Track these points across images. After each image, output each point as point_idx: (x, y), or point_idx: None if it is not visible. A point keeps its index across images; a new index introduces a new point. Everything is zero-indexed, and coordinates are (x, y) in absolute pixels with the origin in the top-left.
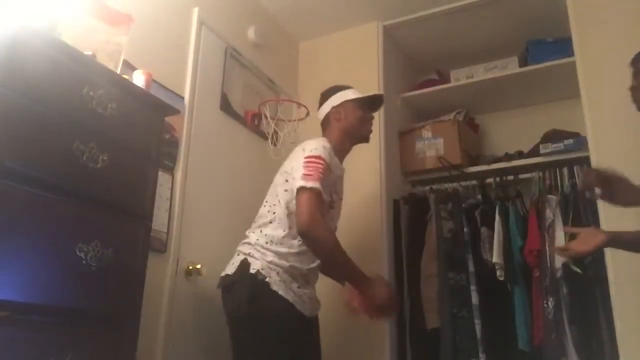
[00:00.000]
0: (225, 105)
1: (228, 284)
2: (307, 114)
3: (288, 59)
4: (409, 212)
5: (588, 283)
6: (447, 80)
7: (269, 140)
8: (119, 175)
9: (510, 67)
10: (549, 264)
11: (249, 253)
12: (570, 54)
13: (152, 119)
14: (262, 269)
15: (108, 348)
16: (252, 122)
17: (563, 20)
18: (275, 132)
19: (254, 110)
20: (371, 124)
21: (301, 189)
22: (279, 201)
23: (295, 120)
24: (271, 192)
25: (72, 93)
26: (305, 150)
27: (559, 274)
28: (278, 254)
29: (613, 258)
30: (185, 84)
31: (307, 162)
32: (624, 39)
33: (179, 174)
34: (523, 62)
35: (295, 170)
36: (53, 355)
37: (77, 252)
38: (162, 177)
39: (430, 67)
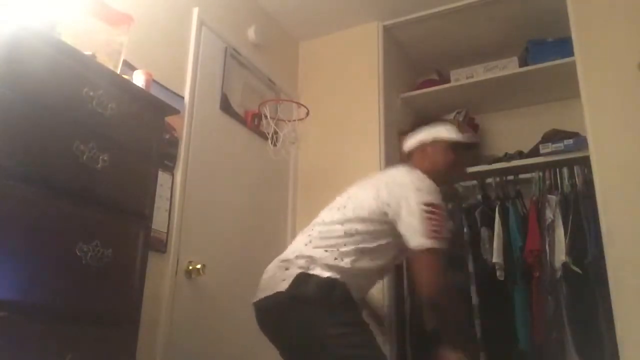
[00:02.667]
0: (225, 105)
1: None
2: (307, 113)
3: (288, 59)
4: None
5: (588, 283)
6: (447, 80)
7: (269, 140)
8: (119, 175)
9: (510, 67)
10: (549, 264)
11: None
12: (570, 54)
13: (152, 119)
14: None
15: (108, 348)
16: (252, 122)
17: (563, 20)
18: (275, 132)
19: (254, 110)
20: (462, 170)
21: (429, 251)
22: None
23: (295, 120)
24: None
25: (72, 93)
26: (419, 189)
27: (559, 274)
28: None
29: (613, 258)
30: (185, 84)
31: (430, 213)
32: (624, 39)
33: (179, 174)
34: (523, 62)
35: (410, 215)
36: (53, 355)
37: (77, 252)
38: (162, 177)
39: (430, 67)
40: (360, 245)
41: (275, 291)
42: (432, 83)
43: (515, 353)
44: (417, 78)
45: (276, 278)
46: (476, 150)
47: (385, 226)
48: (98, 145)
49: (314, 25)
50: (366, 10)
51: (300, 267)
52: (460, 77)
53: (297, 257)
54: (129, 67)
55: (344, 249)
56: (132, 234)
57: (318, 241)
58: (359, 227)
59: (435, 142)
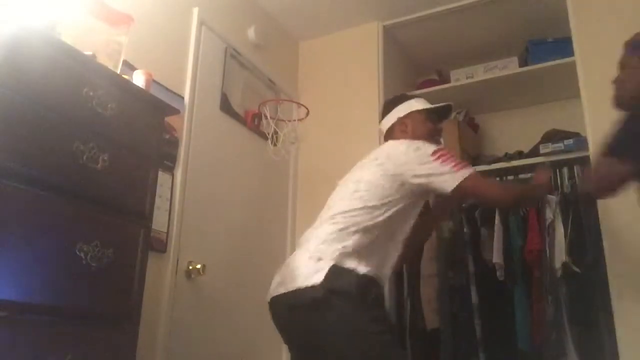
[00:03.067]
0: (225, 105)
1: None
2: (307, 113)
3: (288, 59)
4: None
5: (588, 283)
6: (447, 80)
7: (269, 140)
8: (119, 175)
9: (510, 67)
10: (549, 264)
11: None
12: (570, 54)
13: (152, 119)
14: None
15: (108, 348)
16: (252, 122)
17: (563, 20)
18: (275, 132)
19: (254, 110)
20: (440, 136)
21: (467, 179)
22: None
23: (295, 120)
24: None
25: (72, 93)
26: (418, 148)
27: (558, 274)
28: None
29: (613, 258)
30: (185, 84)
31: (441, 157)
32: (624, 39)
33: (179, 174)
34: (523, 62)
35: (430, 171)
36: (53, 355)
37: (77, 252)
38: (162, 177)
39: (430, 67)
40: (380, 220)
41: (306, 284)
42: (432, 83)
43: (515, 353)
44: (417, 78)
45: (303, 269)
46: (450, 113)
47: (400, 193)
48: (98, 145)
49: (314, 25)
50: (366, 10)
51: (332, 259)
52: (460, 77)
53: (324, 247)
54: (129, 67)
55: (368, 234)
56: (132, 234)
57: (342, 232)
58: (378, 205)
59: (411, 115)
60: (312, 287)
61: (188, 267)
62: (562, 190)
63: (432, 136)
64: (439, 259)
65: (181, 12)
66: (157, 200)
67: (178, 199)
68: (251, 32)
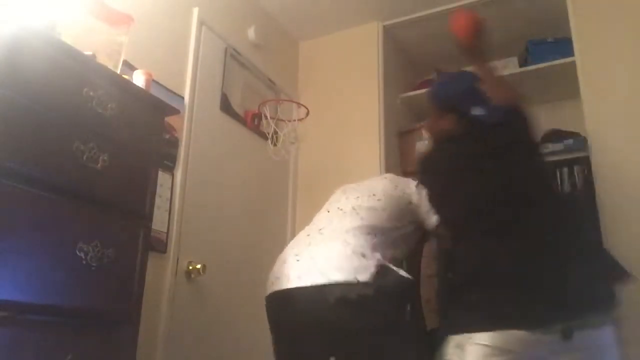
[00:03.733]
0: (225, 105)
1: None
2: (307, 113)
3: (288, 59)
4: None
5: None
6: None
7: (269, 140)
8: (118, 175)
9: (510, 67)
10: None
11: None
12: (570, 54)
13: (152, 119)
14: None
15: (108, 348)
16: (252, 122)
17: (563, 20)
18: (275, 132)
19: (254, 110)
20: None
21: None
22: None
23: (295, 120)
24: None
25: (72, 93)
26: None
27: None
28: None
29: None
30: (185, 84)
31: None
32: (624, 39)
33: (179, 174)
34: (523, 62)
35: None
36: (53, 355)
37: (77, 252)
38: (162, 177)
39: (430, 67)
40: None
41: (358, 280)
42: (432, 83)
43: None
44: (417, 78)
45: (346, 263)
46: None
47: (407, 219)
48: (98, 145)
49: (314, 25)
50: (366, 10)
51: (379, 260)
52: None
53: (368, 249)
54: (129, 67)
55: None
56: (132, 234)
57: (381, 246)
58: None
59: None
60: (365, 284)
61: (188, 267)
62: (562, 190)
63: None
64: (439, 259)
65: (181, 12)
66: (157, 200)
67: (178, 199)
68: (251, 32)
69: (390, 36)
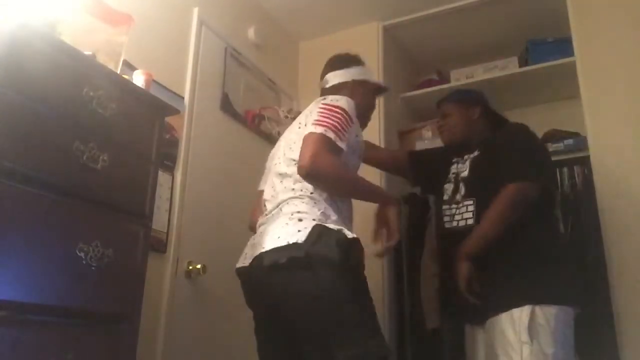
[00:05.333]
0: (226, 105)
1: None
2: None
3: (288, 59)
4: (409, 212)
5: (588, 283)
6: (447, 80)
7: (269, 141)
8: (119, 176)
9: (510, 67)
10: None
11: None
12: (570, 54)
13: (152, 119)
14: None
15: (108, 348)
16: (253, 122)
17: (563, 20)
18: (276, 132)
19: (254, 110)
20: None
21: (309, 135)
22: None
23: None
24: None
25: (72, 93)
26: (328, 100)
27: None
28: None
29: (613, 258)
30: (185, 84)
31: (322, 109)
32: (624, 39)
33: (179, 174)
34: (523, 62)
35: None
36: (53, 355)
37: (77, 252)
38: (162, 177)
39: (430, 67)
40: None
41: (287, 242)
42: (432, 83)
43: None
44: (417, 78)
45: (281, 230)
46: (382, 93)
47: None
48: (98, 145)
49: (314, 25)
50: (366, 10)
51: (315, 220)
52: (460, 77)
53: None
54: (129, 67)
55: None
56: (132, 234)
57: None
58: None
59: (364, 83)
60: (294, 245)
61: (188, 267)
62: (562, 190)
63: (370, 111)
64: (439, 259)
65: (181, 12)
66: (157, 200)
67: (178, 199)
68: (251, 32)
69: (390, 36)
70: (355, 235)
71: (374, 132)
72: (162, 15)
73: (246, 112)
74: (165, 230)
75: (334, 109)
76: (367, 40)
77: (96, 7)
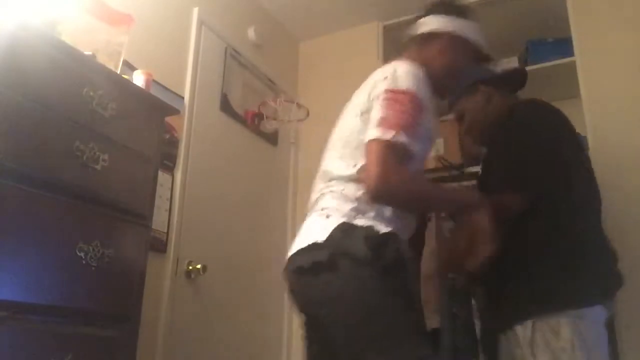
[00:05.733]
0: (225, 105)
1: None
2: (307, 114)
3: (288, 59)
4: None
5: None
6: None
7: (269, 140)
8: (119, 176)
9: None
10: None
11: None
12: (570, 54)
13: (152, 119)
14: None
15: (108, 348)
16: (252, 122)
17: (563, 20)
18: (276, 132)
19: (254, 110)
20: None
21: (373, 142)
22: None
23: (295, 120)
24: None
25: (72, 93)
26: (391, 77)
27: None
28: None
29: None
30: (185, 84)
31: (387, 99)
32: (624, 39)
33: (179, 174)
34: (523, 62)
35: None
36: (53, 355)
37: (77, 252)
38: (162, 177)
39: None
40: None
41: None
42: None
43: None
44: None
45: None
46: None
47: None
48: (98, 145)
49: (314, 25)
50: (366, 10)
51: (343, 216)
52: None
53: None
54: (129, 67)
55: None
56: (132, 233)
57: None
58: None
59: (463, 41)
60: (314, 245)
61: (188, 267)
62: None
63: (458, 79)
64: (439, 259)
65: (181, 12)
66: (157, 200)
67: (178, 199)
68: (251, 32)
69: (390, 36)
70: (390, 229)
71: None
72: (162, 15)
73: (246, 112)
74: (165, 230)
75: (400, 96)
76: (367, 40)
77: (96, 7)
